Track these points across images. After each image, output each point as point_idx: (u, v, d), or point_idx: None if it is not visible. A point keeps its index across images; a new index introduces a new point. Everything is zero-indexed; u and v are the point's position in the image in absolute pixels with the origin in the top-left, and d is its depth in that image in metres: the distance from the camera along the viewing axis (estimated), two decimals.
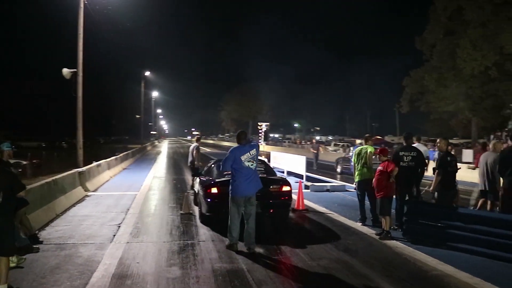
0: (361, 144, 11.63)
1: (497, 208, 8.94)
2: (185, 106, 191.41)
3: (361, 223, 9.48)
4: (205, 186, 9.30)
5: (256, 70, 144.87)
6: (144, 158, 36.62)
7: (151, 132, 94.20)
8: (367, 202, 9.58)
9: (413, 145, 9.49)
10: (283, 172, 19.22)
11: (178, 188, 15.86)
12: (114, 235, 8.30)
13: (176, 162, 31.53)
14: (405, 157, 8.74)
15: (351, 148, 23.35)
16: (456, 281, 5.95)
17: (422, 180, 9.36)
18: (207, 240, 8.10)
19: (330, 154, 35.95)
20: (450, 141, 10.28)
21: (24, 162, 19.96)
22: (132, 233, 8.54)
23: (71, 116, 19.11)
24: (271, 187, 9.18)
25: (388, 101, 65.11)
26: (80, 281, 5.76)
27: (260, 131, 29.79)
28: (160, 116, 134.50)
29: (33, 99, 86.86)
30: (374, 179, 8.54)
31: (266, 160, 16.85)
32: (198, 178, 10.93)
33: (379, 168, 8.38)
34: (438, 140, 9.24)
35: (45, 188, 9.97)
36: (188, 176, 18.49)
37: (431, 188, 8.71)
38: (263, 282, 5.80)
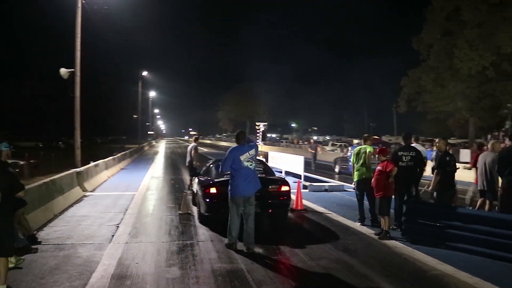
0: (358, 144, 11.65)
1: (496, 208, 8.95)
2: (183, 106, 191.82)
3: (360, 223, 9.48)
4: (204, 186, 9.28)
5: (253, 70, 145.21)
6: (142, 158, 36.58)
7: (149, 132, 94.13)
8: (366, 202, 9.58)
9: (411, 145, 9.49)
10: (281, 172, 19.20)
11: (176, 188, 15.84)
12: (113, 236, 8.28)
13: (174, 162, 31.49)
14: (404, 157, 8.74)
15: (349, 148, 23.42)
16: (455, 280, 5.95)
17: (421, 180, 9.38)
18: (206, 240, 8.09)
19: (328, 154, 35.96)
20: (448, 141, 10.28)
21: (22, 162, 19.91)
22: (131, 233, 8.52)
23: (69, 116, 19.07)
24: (270, 187, 9.17)
25: (386, 101, 65.06)
26: (79, 281, 5.73)
27: (258, 131, 29.79)
28: (158, 116, 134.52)
29: (33, 99, 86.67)
30: (373, 179, 8.55)
31: (264, 160, 16.84)
32: (196, 178, 10.91)
33: (378, 168, 8.38)
34: (437, 140, 9.26)
35: (43, 188, 9.94)
36: (186, 176, 18.44)
37: (430, 188, 8.72)
38: (263, 283, 5.79)
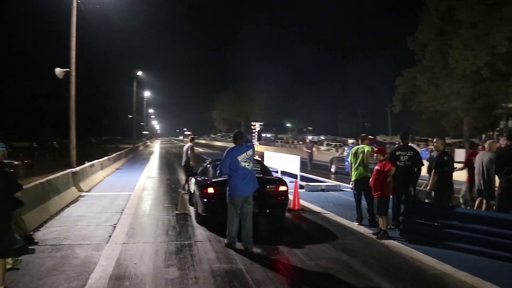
0: (353, 143, 11.65)
1: (493, 207, 8.97)
2: (177, 106, 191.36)
3: (357, 223, 9.47)
4: (202, 186, 9.25)
5: (248, 70, 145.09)
6: (137, 158, 36.48)
7: (143, 132, 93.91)
8: (363, 202, 9.57)
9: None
10: (277, 172, 19.18)
11: (172, 188, 15.79)
12: (110, 236, 8.23)
13: (169, 162, 31.43)
14: (401, 157, 8.74)
15: (346, 148, 23.43)
16: (455, 280, 5.95)
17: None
18: (204, 240, 8.05)
19: (323, 154, 35.99)
20: (445, 140, 10.30)
21: (16, 163, 19.79)
22: (128, 234, 8.47)
23: (64, 116, 18.97)
24: (267, 187, 9.15)
25: (381, 101, 65.36)
26: (77, 282, 5.69)
27: (253, 130, 29.77)
28: (152, 116, 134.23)
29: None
30: (371, 179, 8.53)
31: (260, 160, 16.81)
32: (193, 178, 10.87)
33: (376, 167, 8.37)
34: (434, 140, 9.27)
35: (39, 188, 9.87)
36: (182, 176, 18.40)
37: (428, 187, 8.72)
38: (262, 283, 5.76)
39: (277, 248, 7.54)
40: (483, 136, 37.67)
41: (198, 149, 48.47)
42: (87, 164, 16.76)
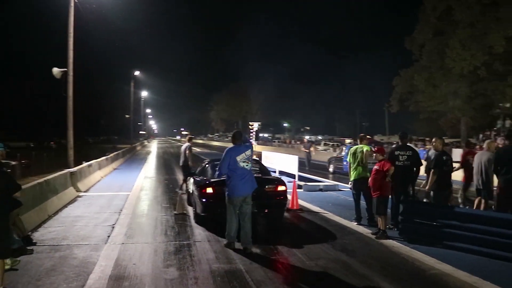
0: (351, 143, 11.65)
1: (492, 207, 8.99)
2: (175, 106, 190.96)
3: (356, 223, 9.47)
4: (200, 186, 9.24)
5: (245, 70, 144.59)
6: (134, 158, 36.43)
7: (140, 132, 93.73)
8: (362, 202, 9.57)
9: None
10: (275, 172, 19.15)
11: (170, 188, 15.76)
12: (109, 236, 8.21)
13: (167, 162, 31.40)
14: (400, 156, 8.74)
15: (344, 148, 23.38)
16: (454, 279, 5.95)
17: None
18: (203, 240, 8.04)
19: (321, 153, 35.98)
20: (444, 140, 10.31)
21: (13, 163, 19.66)
22: (127, 234, 8.45)
23: (64, 116, 18.92)
24: (266, 187, 9.14)
25: (378, 100, 65.42)
26: (76, 283, 5.67)
27: (251, 130, 29.75)
28: (150, 116, 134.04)
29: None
30: (370, 179, 8.53)
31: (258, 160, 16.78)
32: (192, 178, 10.85)
33: (375, 167, 8.37)
34: (433, 140, 9.27)
35: (37, 188, 9.83)
36: (180, 176, 18.36)
37: (427, 187, 8.73)
38: (262, 283, 5.75)
39: (276, 248, 7.53)
40: (480, 136, 37.75)
41: (196, 149, 48.43)
42: (85, 164, 16.72)
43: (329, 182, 17.62)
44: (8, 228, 5.34)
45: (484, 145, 9.92)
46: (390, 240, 7.96)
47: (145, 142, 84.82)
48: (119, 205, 11.76)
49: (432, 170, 8.45)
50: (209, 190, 8.88)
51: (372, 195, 8.44)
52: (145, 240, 8.00)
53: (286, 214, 10.18)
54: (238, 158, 7.41)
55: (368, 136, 12.04)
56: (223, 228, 7.64)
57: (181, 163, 14.73)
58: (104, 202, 12.14)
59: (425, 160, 9.89)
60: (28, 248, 7.01)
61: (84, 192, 14.10)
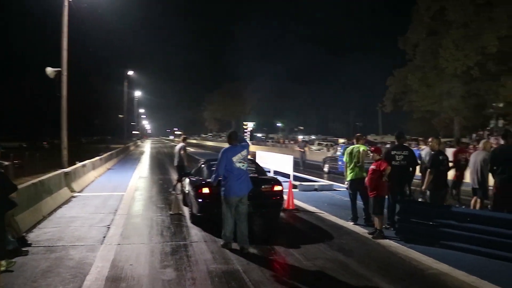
0: (344, 143, 11.64)
1: (488, 206, 9.02)
2: (168, 106, 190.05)
3: (352, 223, 9.45)
4: (196, 186, 9.20)
5: (238, 70, 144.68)
6: (128, 158, 36.30)
7: (134, 132, 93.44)
8: (359, 202, 9.55)
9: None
10: (269, 172, 19.13)
11: (164, 188, 15.70)
12: (104, 237, 8.14)
13: (161, 162, 31.32)
14: (397, 156, 8.74)
15: (339, 148, 23.39)
16: (452, 279, 5.95)
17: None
18: (200, 240, 8.00)
19: (315, 153, 36.03)
20: (440, 140, 10.35)
21: (6, 163, 19.50)
22: (123, 235, 8.39)
23: (54, 115, 18.83)
24: (262, 187, 9.12)
25: (373, 100, 65.60)
26: (73, 284, 5.62)
27: (245, 130, 29.70)
28: (143, 116, 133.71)
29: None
30: (366, 178, 8.53)
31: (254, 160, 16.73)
32: (187, 178, 10.80)
33: (372, 167, 8.36)
34: (430, 139, 9.30)
35: (32, 189, 9.75)
36: (174, 176, 18.30)
37: (423, 187, 8.73)
38: (260, 283, 5.73)
39: (273, 248, 7.51)
40: (473, 135, 37.96)
41: (190, 149, 48.37)
42: (79, 164, 16.63)
43: (324, 182, 17.63)
44: (3, 229, 5.28)
45: (480, 145, 9.96)
46: (387, 240, 7.95)
47: (139, 142, 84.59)
48: (114, 205, 11.69)
49: (429, 170, 8.46)
50: (206, 190, 8.83)
51: (368, 194, 8.43)
52: (141, 241, 7.95)
53: (282, 214, 10.17)
54: (234, 159, 7.38)
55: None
56: (219, 228, 7.61)
57: (175, 163, 14.67)
58: (99, 203, 12.07)
59: (418, 160, 9.92)
60: (23, 249, 6.94)
61: (79, 192, 14.02)
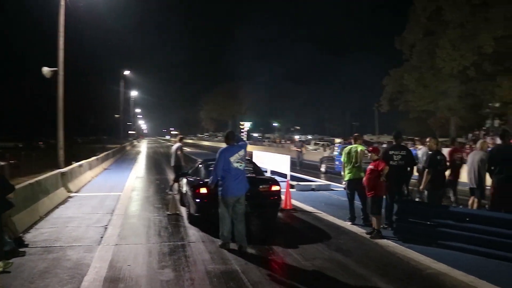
0: (340, 143, 11.64)
1: (485, 206, 9.04)
2: (164, 106, 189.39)
3: (350, 222, 9.45)
4: (194, 186, 9.18)
5: (235, 70, 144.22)
6: (124, 158, 36.22)
7: (130, 132, 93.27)
8: (357, 202, 9.55)
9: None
10: (266, 172, 19.10)
11: (161, 188, 15.66)
12: (102, 237, 8.11)
13: (157, 162, 31.26)
14: (395, 156, 8.74)
15: (336, 148, 23.41)
16: (451, 279, 5.96)
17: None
18: (197, 241, 7.98)
19: (311, 153, 36.01)
20: (438, 140, 10.37)
21: (2, 163, 19.46)
22: (120, 235, 8.36)
23: (54, 116, 18.74)
24: (260, 187, 9.11)
25: (369, 100, 65.68)
26: (71, 285, 5.59)
27: (242, 130, 29.68)
28: (139, 116, 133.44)
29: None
30: (364, 178, 8.52)
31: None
32: (184, 178, 10.78)
33: (370, 167, 8.35)
34: (427, 139, 9.32)
35: (28, 189, 9.69)
36: (171, 176, 18.25)
37: (421, 187, 8.74)
38: (258, 283, 5.72)
39: (272, 248, 7.50)
40: (469, 135, 38.02)
41: (186, 149, 48.32)
42: (75, 164, 16.57)
43: (321, 181, 17.61)
44: (0, 230, 5.25)
45: (477, 145, 9.98)
46: (385, 240, 7.95)
47: (135, 142, 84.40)
48: (111, 205, 11.65)
49: (427, 170, 8.46)
50: (203, 190, 8.81)
51: (366, 194, 8.43)
52: (139, 241, 7.92)
53: (279, 214, 10.15)
54: (232, 159, 7.38)
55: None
56: (217, 228, 7.60)
57: (172, 163, 14.63)
58: (95, 203, 12.03)
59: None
60: (20, 250, 6.90)
61: (75, 192, 13.97)
